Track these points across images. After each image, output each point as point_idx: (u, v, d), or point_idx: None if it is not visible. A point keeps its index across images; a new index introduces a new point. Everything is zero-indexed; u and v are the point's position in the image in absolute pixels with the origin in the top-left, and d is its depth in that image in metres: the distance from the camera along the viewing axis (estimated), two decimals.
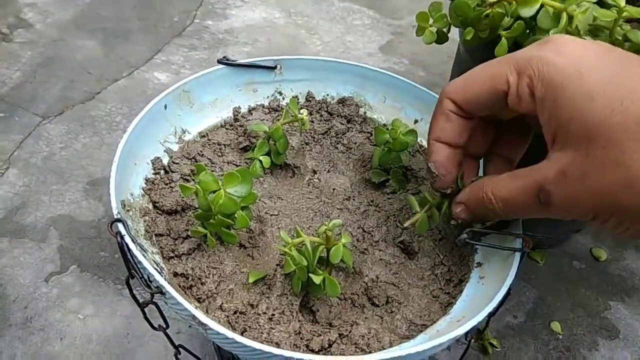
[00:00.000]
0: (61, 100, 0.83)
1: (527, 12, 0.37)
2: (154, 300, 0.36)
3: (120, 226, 0.34)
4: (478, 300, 0.38)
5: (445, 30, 0.49)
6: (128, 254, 0.34)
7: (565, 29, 0.36)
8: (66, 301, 0.57)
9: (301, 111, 0.46)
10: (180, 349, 0.43)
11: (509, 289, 0.36)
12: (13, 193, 0.68)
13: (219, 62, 0.49)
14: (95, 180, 0.70)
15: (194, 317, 0.31)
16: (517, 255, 0.38)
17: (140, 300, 0.37)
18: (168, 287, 0.32)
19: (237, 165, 0.48)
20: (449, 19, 0.48)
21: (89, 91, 0.85)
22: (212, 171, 0.46)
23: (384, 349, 0.36)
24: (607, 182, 0.28)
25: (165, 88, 0.46)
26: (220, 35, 1.03)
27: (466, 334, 0.42)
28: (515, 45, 0.47)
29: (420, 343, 0.32)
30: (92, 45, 0.96)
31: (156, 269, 0.33)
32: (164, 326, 0.39)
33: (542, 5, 0.37)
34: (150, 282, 0.34)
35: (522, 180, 0.32)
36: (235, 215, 0.39)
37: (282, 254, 0.40)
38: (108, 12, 1.05)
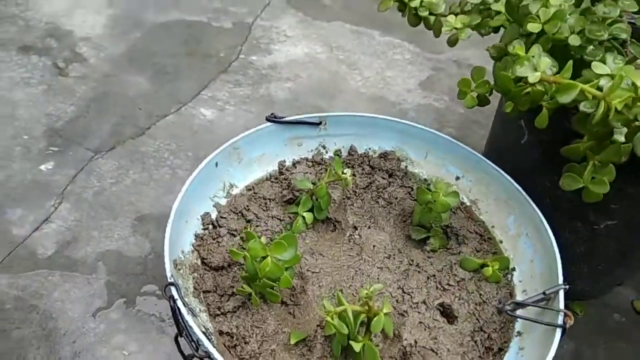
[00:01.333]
0: (113, 136, 0.86)
1: (565, 99, 0.38)
2: (199, 354, 0.37)
3: (173, 290, 0.36)
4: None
5: (487, 94, 0.50)
6: (180, 318, 0.35)
7: (605, 114, 0.37)
8: (112, 337, 0.59)
9: (345, 171, 0.48)
10: None
11: None
12: (65, 227, 0.71)
13: (267, 119, 0.51)
14: (142, 217, 0.73)
15: None
16: (558, 330, 0.38)
17: (186, 354, 0.39)
18: (216, 355, 0.33)
19: (280, 220, 0.49)
20: (491, 83, 0.49)
21: (139, 126, 0.89)
22: (257, 226, 0.48)
23: None
24: None
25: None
26: (264, 71, 1.06)
27: None
28: (557, 112, 0.47)
29: None
30: (142, 81, 1.00)
31: (204, 333, 0.35)
32: None
33: (581, 91, 0.38)
34: (199, 345, 0.36)
35: None
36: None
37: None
38: (158, 47, 1.09)
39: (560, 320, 0.38)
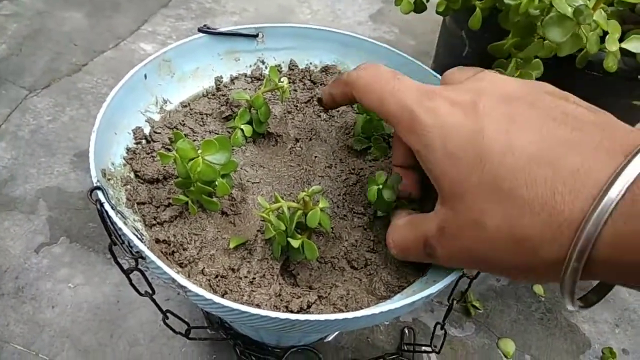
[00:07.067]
0: (48, 73, 0.82)
1: None
2: (138, 267, 0.36)
3: (100, 194, 0.35)
4: None
5: None
6: (108, 221, 0.34)
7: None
8: (56, 271, 0.58)
9: (281, 79, 0.46)
10: (168, 314, 0.44)
11: None
12: (1, 166, 0.68)
13: (200, 30, 0.49)
14: (82, 152, 0.71)
15: (173, 280, 0.32)
16: None
17: (125, 267, 0.38)
18: (148, 252, 0.32)
19: (218, 134, 0.48)
20: None
21: (76, 63, 0.85)
22: (194, 140, 0.47)
23: (362, 309, 0.37)
24: (474, 241, 0.29)
25: None
26: (208, 5, 1.02)
27: (449, 296, 0.43)
28: (492, 11, 0.47)
29: (394, 302, 0.33)
30: (79, 16, 0.95)
31: (136, 235, 0.34)
32: (150, 292, 0.40)
33: None
34: (131, 248, 0.35)
35: (413, 231, 0.34)
36: (216, 182, 0.39)
37: (263, 220, 0.41)
38: None
39: None
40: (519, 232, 0.27)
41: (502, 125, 0.28)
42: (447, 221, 0.31)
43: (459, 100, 0.31)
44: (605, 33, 0.44)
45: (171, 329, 0.45)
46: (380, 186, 0.40)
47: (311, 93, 0.53)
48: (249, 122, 0.48)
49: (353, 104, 0.42)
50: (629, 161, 0.24)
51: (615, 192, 0.24)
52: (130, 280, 0.39)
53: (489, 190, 0.27)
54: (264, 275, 0.38)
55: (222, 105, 0.50)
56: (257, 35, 0.52)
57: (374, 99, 0.35)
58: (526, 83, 0.32)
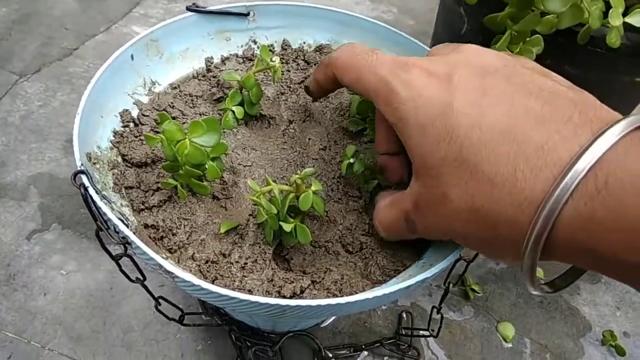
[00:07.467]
0: (38, 58, 0.81)
1: None
2: (127, 252, 0.35)
3: (84, 178, 0.34)
4: (452, 246, 0.38)
5: None
6: (93, 206, 0.33)
7: None
8: (48, 258, 0.57)
9: (273, 59, 0.45)
10: (160, 300, 0.44)
11: None
12: None
13: (188, 9, 0.47)
14: None
15: (160, 266, 0.31)
16: None
17: (114, 253, 0.37)
18: (133, 237, 0.31)
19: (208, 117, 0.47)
20: None
21: (67, 47, 0.83)
22: (184, 123, 0.46)
23: (356, 293, 0.36)
24: (444, 214, 0.29)
25: None
26: None
27: (445, 279, 0.42)
28: None
29: (389, 286, 0.32)
30: (69, 0, 0.93)
31: (121, 220, 0.33)
32: (141, 278, 0.39)
33: None
34: (117, 233, 0.34)
35: (395, 209, 0.34)
36: (206, 166, 0.38)
37: (255, 204, 0.40)
38: None
39: None
40: (481, 208, 0.26)
41: (473, 99, 0.27)
42: (420, 194, 0.31)
43: (434, 72, 0.30)
44: (608, 7, 0.43)
45: (164, 315, 0.45)
46: (351, 160, 0.40)
47: (305, 73, 0.52)
48: (241, 104, 0.47)
49: (338, 88, 0.41)
50: (595, 139, 0.23)
51: (578, 172, 0.22)
52: (120, 266, 0.38)
53: (455, 164, 0.27)
54: (256, 260, 0.37)
55: (212, 87, 0.49)
56: (248, 14, 0.51)
57: (352, 76, 0.35)
58: (506, 57, 0.30)
